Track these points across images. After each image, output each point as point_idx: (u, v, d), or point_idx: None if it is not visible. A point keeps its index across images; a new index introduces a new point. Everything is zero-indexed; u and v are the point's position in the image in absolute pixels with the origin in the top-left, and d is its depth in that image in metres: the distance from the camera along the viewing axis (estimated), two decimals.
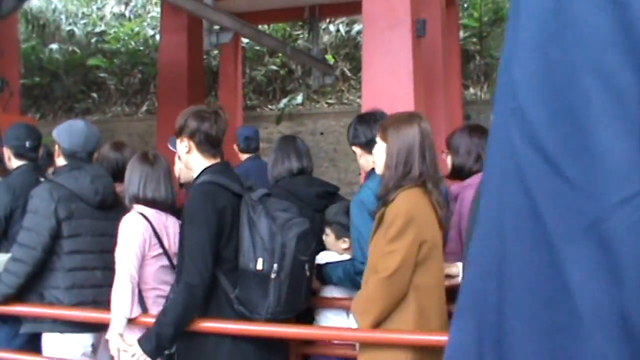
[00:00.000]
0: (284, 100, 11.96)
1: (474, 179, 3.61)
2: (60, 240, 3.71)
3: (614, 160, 0.56)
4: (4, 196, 4.16)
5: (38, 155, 4.45)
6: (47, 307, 3.72)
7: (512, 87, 0.69)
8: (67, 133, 3.91)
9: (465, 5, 10.65)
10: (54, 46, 14.06)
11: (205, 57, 11.00)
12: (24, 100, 7.28)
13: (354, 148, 3.76)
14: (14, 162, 4.37)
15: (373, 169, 3.46)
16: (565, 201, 0.57)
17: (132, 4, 14.50)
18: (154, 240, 3.55)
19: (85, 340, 3.76)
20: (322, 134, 11.08)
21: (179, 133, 3.34)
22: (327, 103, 11.75)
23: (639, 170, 0.57)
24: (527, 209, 0.61)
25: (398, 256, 2.96)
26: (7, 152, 4.39)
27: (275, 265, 3.09)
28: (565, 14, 0.59)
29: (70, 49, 14.06)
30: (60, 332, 3.72)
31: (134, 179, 3.63)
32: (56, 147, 3.96)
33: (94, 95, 13.88)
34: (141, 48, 13.57)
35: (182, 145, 3.34)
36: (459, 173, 3.81)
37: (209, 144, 3.32)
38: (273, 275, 3.08)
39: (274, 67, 12.52)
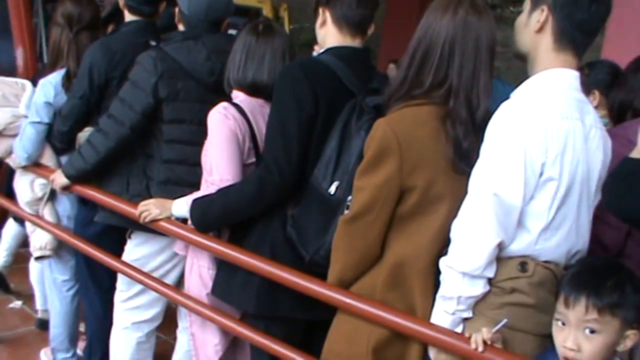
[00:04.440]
0: None
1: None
2: (159, 124, 3.00)
3: None
4: (100, 62, 3.23)
5: (157, 10, 3.40)
6: (128, 204, 3.01)
7: None
8: None
9: None
10: None
11: None
12: None
13: None
14: (126, 16, 3.39)
15: None
16: None
17: None
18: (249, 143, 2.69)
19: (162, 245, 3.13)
20: None
21: (317, 2, 2.58)
22: None
23: None
24: None
25: (364, 196, 2.05)
26: (121, 0, 3.43)
27: (350, 198, 2.17)
28: None
29: None
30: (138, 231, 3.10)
31: (234, 56, 2.78)
32: (176, 10, 3.13)
33: None
34: None
35: (319, 18, 2.57)
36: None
37: (346, 20, 2.51)
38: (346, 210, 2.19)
39: None
